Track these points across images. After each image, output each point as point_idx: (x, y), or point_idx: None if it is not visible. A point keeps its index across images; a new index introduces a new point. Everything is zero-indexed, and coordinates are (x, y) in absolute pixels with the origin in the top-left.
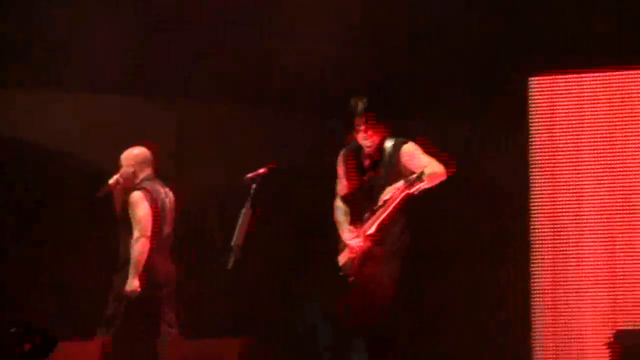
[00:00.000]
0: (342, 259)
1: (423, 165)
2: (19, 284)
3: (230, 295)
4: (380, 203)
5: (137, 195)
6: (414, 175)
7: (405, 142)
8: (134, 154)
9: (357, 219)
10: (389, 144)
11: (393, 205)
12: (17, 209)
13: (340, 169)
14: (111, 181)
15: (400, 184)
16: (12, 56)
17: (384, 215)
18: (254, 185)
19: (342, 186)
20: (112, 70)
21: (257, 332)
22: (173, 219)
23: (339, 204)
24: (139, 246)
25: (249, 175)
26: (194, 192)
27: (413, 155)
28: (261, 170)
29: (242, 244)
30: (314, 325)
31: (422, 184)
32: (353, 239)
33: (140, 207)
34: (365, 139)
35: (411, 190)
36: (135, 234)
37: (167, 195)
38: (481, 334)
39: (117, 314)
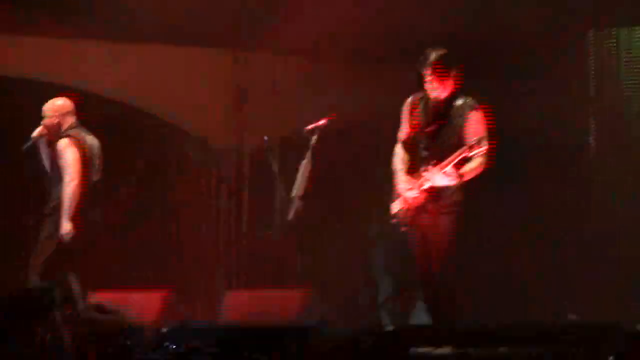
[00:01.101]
0: (396, 207)
1: (483, 135)
2: None
3: (291, 246)
4: (444, 162)
5: (64, 143)
6: (476, 139)
7: (475, 106)
8: (57, 105)
9: (414, 169)
10: (459, 102)
11: (452, 163)
12: None
13: (405, 116)
14: (35, 134)
15: (464, 147)
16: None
17: (445, 170)
18: (313, 137)
19: (403, 132)
20: (178, 22)
21: (318, 283)
22: (101, 165)
23: (398, 150)
24: (70, 189)
25: (309, 127)
26: (256, 145)
27: (479, 121)
28: (321, 122)
29: (302, 194)
30: (375, 276)
31: (480, 150)
32: (409, 191)
33: (68, 152)
34: (434, 90)
35: (470, 154)
36: (66, 178)
37: (93, 141)
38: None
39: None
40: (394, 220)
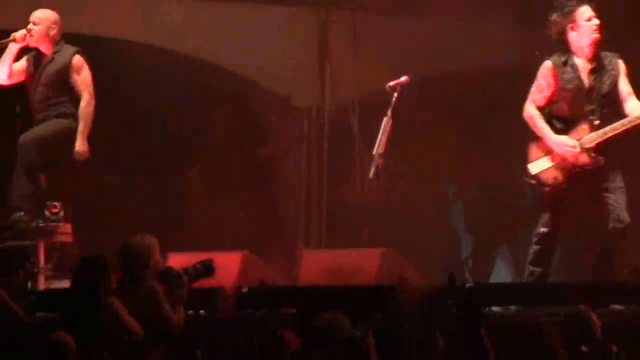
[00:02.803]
0: (538, 166)
1: (629, 90)
2: None
3: (372, 204)
4: (608, 129)
5: (81, 59)
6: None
7: (619, 56)
8: (49, 12)
9: (573, 125)
10: (605, 54)
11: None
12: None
13: (546, 80)
14: (18, 34)
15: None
16: None
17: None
18: (395, 94)
19: (541, 97)
20: None
21: (397, 242)
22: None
23: (534, 111)
24: (91, 108)
25: (390, 83)
26: (337, 103)
27: (625, 72)
28: (403, 79)
29: (383, 151)
30: (457, 233)
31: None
32: (570, 148)
33: (87, 69)
34: (595, 31)
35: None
36: (86, 96)
37: None
38: None
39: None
40: (532, 181)
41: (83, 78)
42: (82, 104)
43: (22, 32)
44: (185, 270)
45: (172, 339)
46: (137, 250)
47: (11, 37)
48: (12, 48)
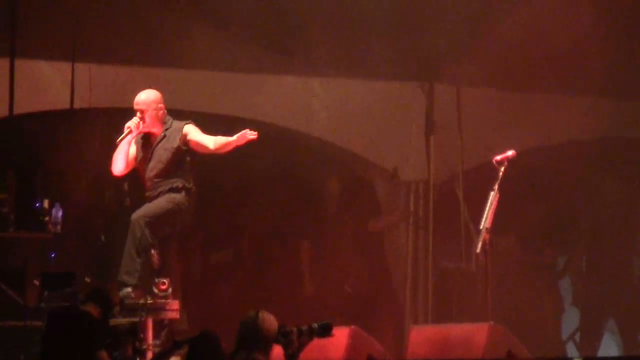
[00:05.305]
0: None
1: None
2: None
3: (480, 280)
4: None
5: (192, 126)
6: None
7: None
8: (152, 93)
9: None
10: None
11: None
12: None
13: None
14: (132, 124)
15: None
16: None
17: None
18: (502, 168)
19: None
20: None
21: (505, 317)
22: None
23: None
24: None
25: (497, 157)
26: (443, 177)
27: None
28: (509, 153)
29: (490, 226)
30: (563, 308)
31: None
32: None
33: (199, 132)
34: None
35: None
36: (210, 143)
37: None
38: None
39: None
40: None
41: (201, 136)
42: (211, 146)
43: (135, 120)
44: (299, 328)
45: None
46: (256, 324)
47: (127, 130)
48: (128, 139)
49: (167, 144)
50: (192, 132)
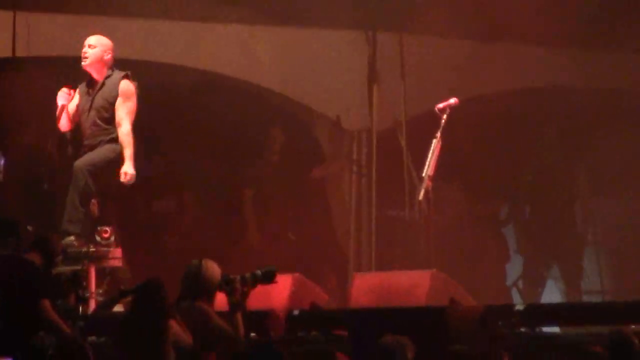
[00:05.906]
0: None
1: None
2: None
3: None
4: None
5: (130, 86)
6: None
7: None
8: (105, 39)
9: None
10: None
11: None
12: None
13: None
14: (63, 97)
15: None
16: None
17: None
18: (444, 116)
19: None
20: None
21: (447, 264)
22: None
23: None
24: (131, 137)
25: (439, 105)
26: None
27: None
28: (452, 101)
29: (433, 174)
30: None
31: None
32: None
33: (134, 99)
34: None
35: None
36: (127, 125)
37: None
38: None
39: None
40: None
41: (128, 107)
42: (123, 131)
43: (63, 92)
44: (242, 276)
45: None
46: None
47: (60, 106)
48: (66, 103)
49: (106, 93)
50: (121, 98)
